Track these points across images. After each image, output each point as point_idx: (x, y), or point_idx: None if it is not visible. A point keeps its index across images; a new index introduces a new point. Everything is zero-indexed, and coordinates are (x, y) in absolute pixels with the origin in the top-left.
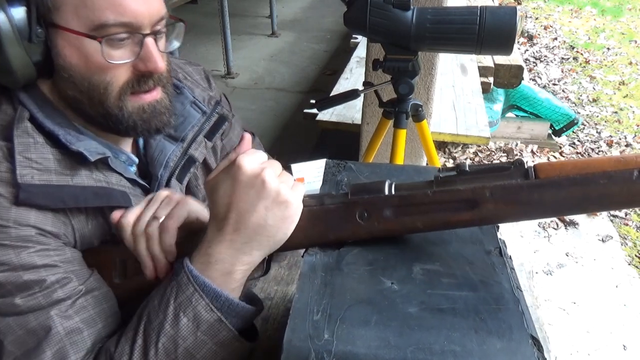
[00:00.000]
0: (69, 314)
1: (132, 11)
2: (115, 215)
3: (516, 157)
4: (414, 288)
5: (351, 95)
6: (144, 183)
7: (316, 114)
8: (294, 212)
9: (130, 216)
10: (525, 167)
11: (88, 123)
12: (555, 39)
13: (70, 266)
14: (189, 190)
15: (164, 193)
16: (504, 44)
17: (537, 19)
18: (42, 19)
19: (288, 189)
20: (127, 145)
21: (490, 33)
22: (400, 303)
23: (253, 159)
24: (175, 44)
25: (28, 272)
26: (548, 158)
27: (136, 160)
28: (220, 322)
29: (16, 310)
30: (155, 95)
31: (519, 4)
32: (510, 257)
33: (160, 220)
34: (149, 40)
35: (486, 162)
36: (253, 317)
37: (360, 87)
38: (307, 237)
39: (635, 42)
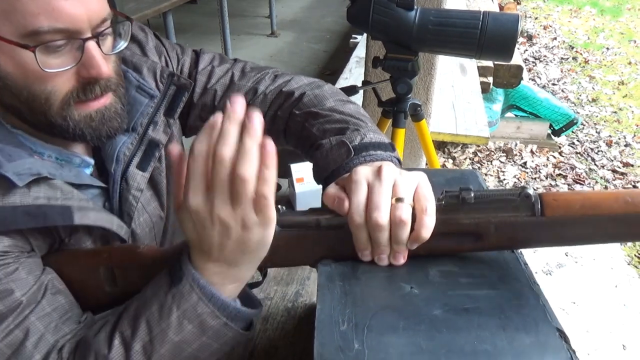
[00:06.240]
0: (10, 329)
1: (67, 15)
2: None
3: (522, 184)
4: (434, 290)
5: (350, 91)
6: (100, 183)
7: None
8: (262, 240)
9: (357, 206)
10: (532, 200)
11: (33, 129)
12: (555, 38)
13: (13, 276)
14: (153, 178)
15: (391, 169)
16: (504, 50)
17: (536, 18)
18: None
19: (249, 219)
20: (79, 146)
21: (491, 39)
22: (424, 306)
23: (196, 198)
24: (122, 44)
25: None
26: (547, 158)
27: (91, 161)
28: (226, 326)
29: None
30: (104, 101)
31: (518, 3)
32: (521, 252)
33: (407, 203)
34: (91, 45)
35: (492, 188)
36: (256, 316)
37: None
38: (307, 257)
39: (635, 41)
